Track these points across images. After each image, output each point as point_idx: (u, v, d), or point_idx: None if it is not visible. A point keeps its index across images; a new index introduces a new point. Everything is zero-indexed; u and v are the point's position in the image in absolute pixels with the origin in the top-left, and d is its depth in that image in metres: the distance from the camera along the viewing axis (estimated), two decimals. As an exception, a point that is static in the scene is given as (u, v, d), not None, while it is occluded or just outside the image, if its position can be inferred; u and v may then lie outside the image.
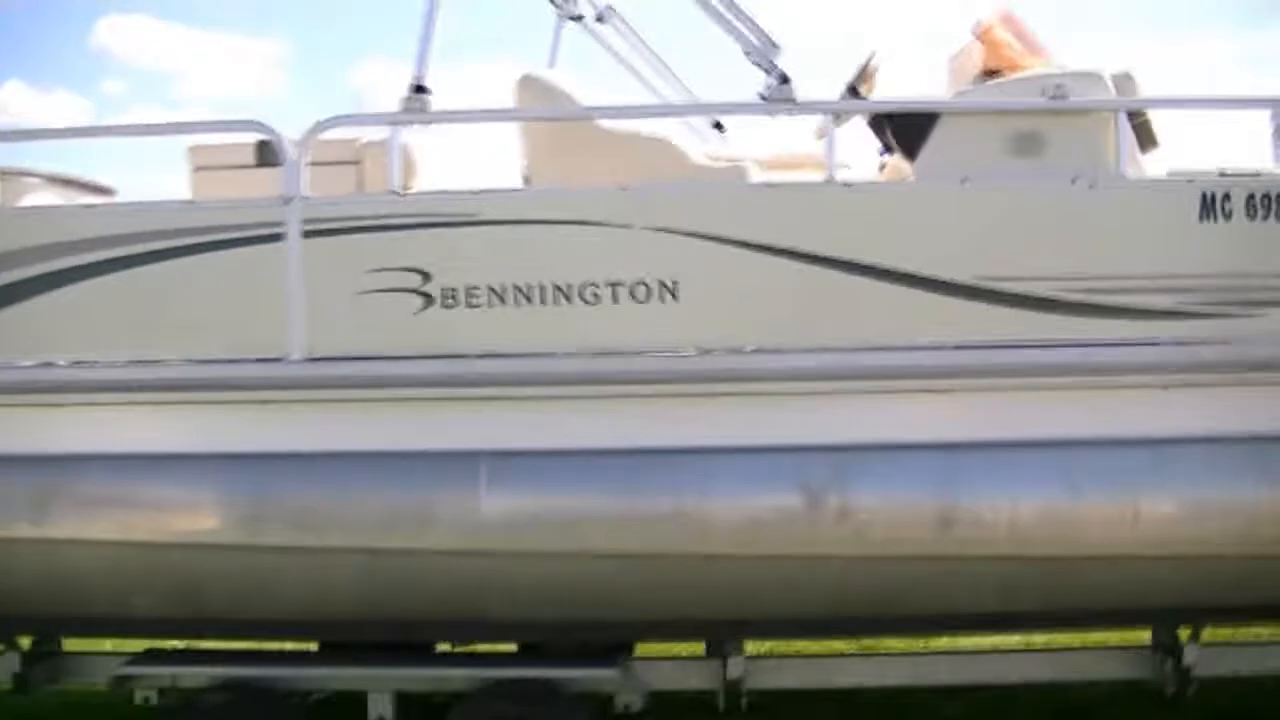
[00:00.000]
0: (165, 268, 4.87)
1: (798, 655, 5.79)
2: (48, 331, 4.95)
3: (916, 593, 4.77)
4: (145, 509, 4.92)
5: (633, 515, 4.70)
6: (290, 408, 4.85)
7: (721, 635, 5.11)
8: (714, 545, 4.68)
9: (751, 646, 5.44)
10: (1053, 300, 4.64)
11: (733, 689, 5.14)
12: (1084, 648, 5.80)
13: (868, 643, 6.04)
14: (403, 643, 5.26)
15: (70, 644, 5.77)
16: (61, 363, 4.95)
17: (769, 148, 5.91)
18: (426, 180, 5.07)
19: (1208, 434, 4.67)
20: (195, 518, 4.89)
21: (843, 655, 5.74)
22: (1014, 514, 4.63)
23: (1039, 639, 5.98)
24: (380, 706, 5.15)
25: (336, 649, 5.43)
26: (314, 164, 4.88)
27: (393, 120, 4.97)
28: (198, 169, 5.30)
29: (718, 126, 6.47)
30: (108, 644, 5.83)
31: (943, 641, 5.99)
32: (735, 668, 5.08)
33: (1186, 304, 4.65)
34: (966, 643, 5.86)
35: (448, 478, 4.77)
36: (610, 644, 5.25)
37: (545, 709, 5.00)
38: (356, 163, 5.19)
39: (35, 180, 5.44)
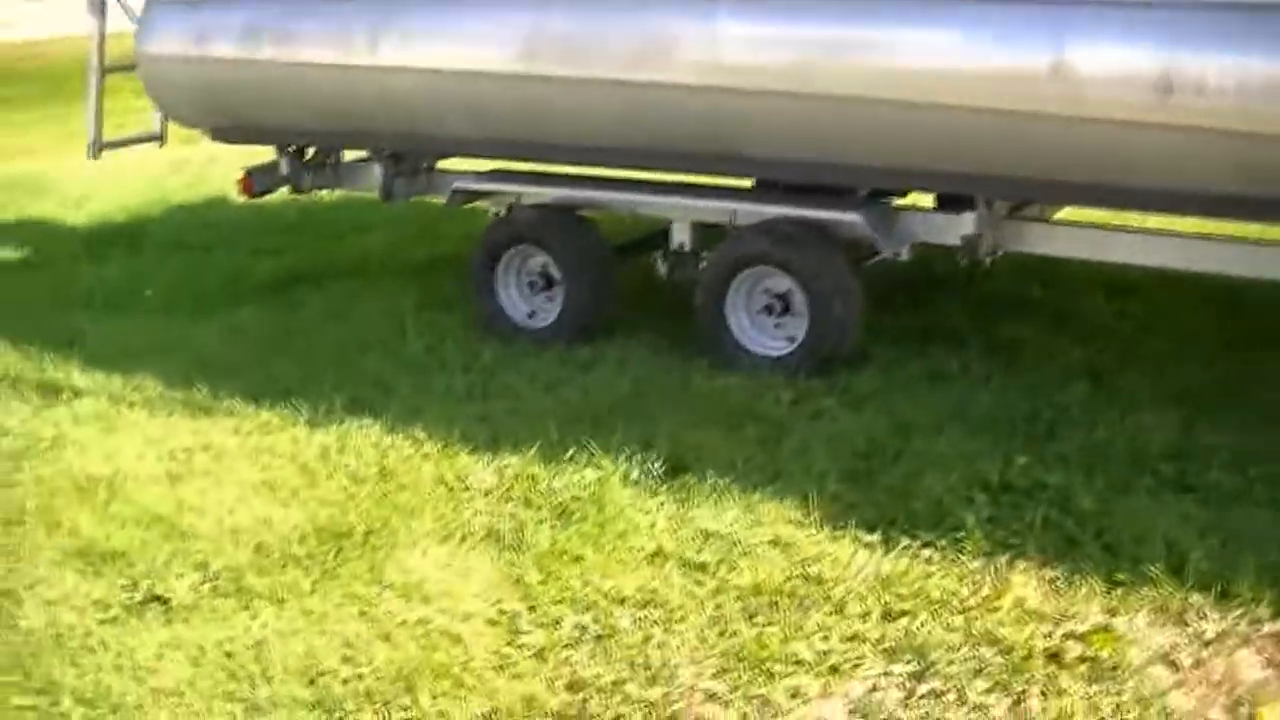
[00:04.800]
0: None
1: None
2: None
3: (1138, 163, 4.41)
4: (448, 40, 5.61)
5: (864, 58, 4.70)
6: None
7: (945, 187, 5.03)
8: (924, 94, 4.57)
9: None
10: None
11: (978, 249, 5.04)
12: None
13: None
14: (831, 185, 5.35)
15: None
16: None
17: None
18: None
19: None
20: (484, 48, 5.49)
21: (1107, 228, 5.30)
22: (1243, 82, 4.08)
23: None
24: (681, 234, 5.68)
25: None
26: None
27: None
28: None
29: None
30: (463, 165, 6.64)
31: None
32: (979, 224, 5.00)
33: None
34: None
35: (690, 12, 4.97)
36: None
37: (804, 249, 5.23)
38: None
39: None
